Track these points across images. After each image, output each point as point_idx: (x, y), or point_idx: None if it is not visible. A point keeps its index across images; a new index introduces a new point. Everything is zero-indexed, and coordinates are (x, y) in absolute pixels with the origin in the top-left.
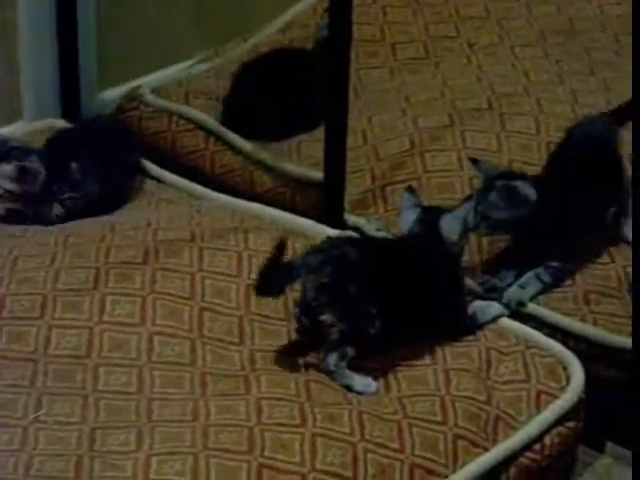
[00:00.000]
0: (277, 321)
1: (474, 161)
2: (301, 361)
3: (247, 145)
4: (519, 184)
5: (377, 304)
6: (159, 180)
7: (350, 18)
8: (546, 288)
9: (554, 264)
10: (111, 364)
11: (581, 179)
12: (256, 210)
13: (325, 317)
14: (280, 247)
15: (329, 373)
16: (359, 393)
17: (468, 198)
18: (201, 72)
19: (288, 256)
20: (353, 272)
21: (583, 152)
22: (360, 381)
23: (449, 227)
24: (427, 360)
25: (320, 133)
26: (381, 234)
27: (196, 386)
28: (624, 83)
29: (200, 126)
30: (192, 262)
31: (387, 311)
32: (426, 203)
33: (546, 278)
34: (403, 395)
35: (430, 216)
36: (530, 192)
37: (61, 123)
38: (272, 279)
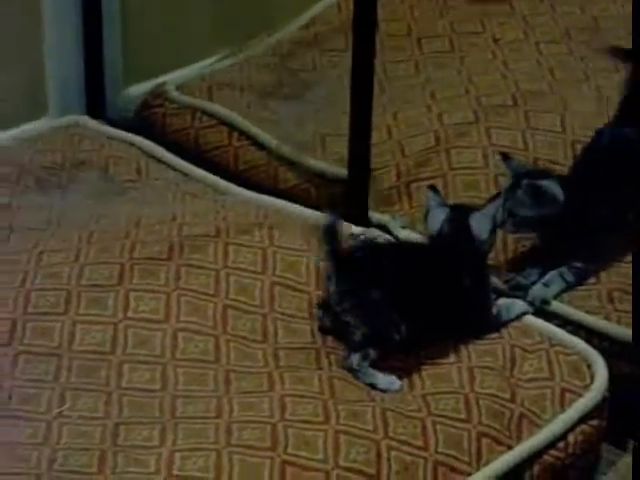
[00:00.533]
0: (301, 319)
1: (504, 157)
2: (324, 359)
3: (271, 141)
4: (546, 183)
5: (403, 308)
6: (184, 174)
7: (375, 11)
8: (569, 287)
9: (578, 264)
10: (135, 360)
11: (607, 181)
12: (280, 206)
13: (348, 319)
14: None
15: (352, 371)
16: (383, 391)
17: (495, 196)
18: (225, 67)
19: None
20: (378, 277)
21: (611, 154)
22: (384, 379)
23: (479, 225)
24: (451, 358)
25: (345, 128)
26: (406, 231)
27: (220, 383)
28: None
29: (223, 122)
30: (217, 258)
31: (413, 314)
32: (451, 201)
33: (569, 278)
34: (427, 393)
35: (460, 215)
36: (557, 191)
37: (85, 119)
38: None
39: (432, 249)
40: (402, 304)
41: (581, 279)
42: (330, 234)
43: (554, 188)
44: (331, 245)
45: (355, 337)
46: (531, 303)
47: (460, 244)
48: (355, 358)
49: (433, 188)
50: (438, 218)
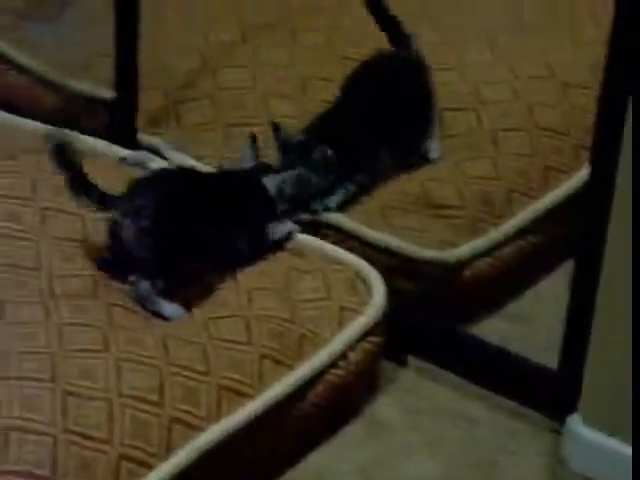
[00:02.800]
0: (74, 243)
1: (275, 127)
2: (102, 287)
3: (32, 63)
4: (317, 153)
5: (182, 236)
6: None
7: None
8: (349, 195)
9: (359, 177)
10: None
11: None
12: (44, 130)
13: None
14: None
15: (140, 299)
16: (168, 319)
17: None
18: None
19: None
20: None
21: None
22: (169, 307)
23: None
24: (230, 283)
25: (109, 49)
26: (176, 153)
27: None
28: None
29: None
30: None
31: (192, 242)
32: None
33: (351, 188)
34: (207, 318)
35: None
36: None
37: None
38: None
39: (220, 179)
40: (181, 232)
41: (361, 189)
42: (60, 155)
43: (325, 153)
44: (66, 167)
45: (145, 266)
46: (315, 212)
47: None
48: (144, 286)
49: (253, 139)
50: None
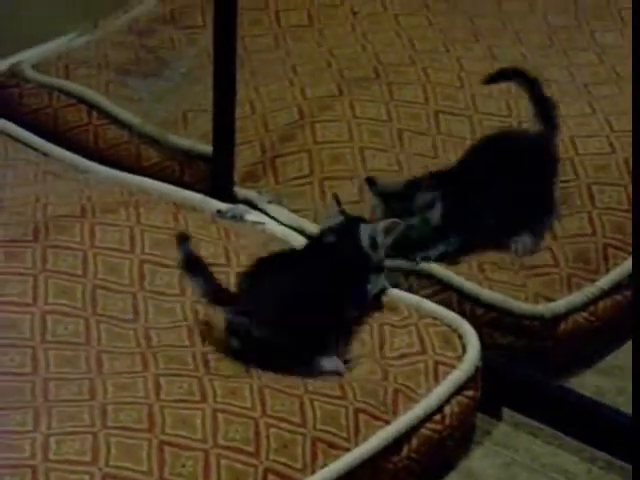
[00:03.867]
0: (172, 297)
1: (370, 182)
2: (197, 336)
3: (133, 118)
4: (420, 199)
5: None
6: (44, 153)
7: None
8: (450, 249)
9: (463, 234)
10: (4, 344)
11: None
12: (144, 184)
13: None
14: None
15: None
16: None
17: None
18: (81, 45)
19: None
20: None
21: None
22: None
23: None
24: None
25: (206, 104)
26: (273, 206)
27: (92, 365)
28: (510, 51)
29: (82, 100)
30: (83, 238)
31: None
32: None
33: (453, 243)
34: None
35: (352, 222)
36: (429, 198)
37: None
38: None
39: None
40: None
41: (462, 247)
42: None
43: (426, 198)
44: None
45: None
46: (413, 260)
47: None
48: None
49: (335, 196)
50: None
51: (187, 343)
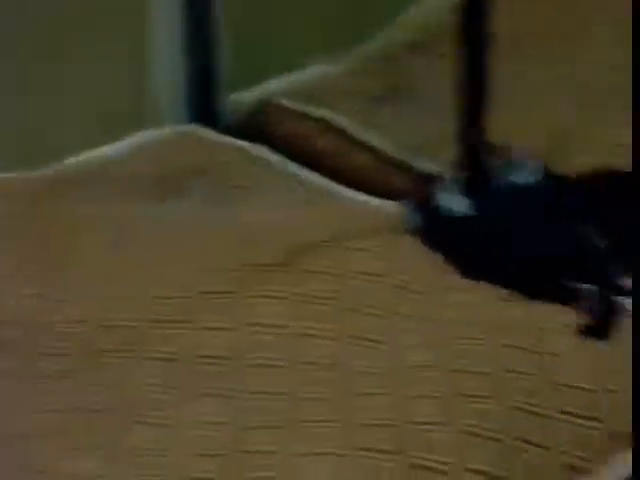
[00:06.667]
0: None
1: None
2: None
3: (387, 146)
4: None
5: None
6: (297, 179)
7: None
8: None
9: None
10: (259, 365)
11: None
12: (396, 210)
13: None
14: None
15: None
16: None
17: None
18: (332, 72)
19: None
20: None
21: None
22: None
23: None
24: None
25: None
26: None
27: (342, 386)
28: None
29: (333, 127)
30: (337, 263)
31: None
32: None
33: None
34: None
35: None
36: None
37: (194, 128)
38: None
39: None
40: None
41: None
42: None
43: None
44: None
45: None
46: None
47: None
48: None
49: None
50: None
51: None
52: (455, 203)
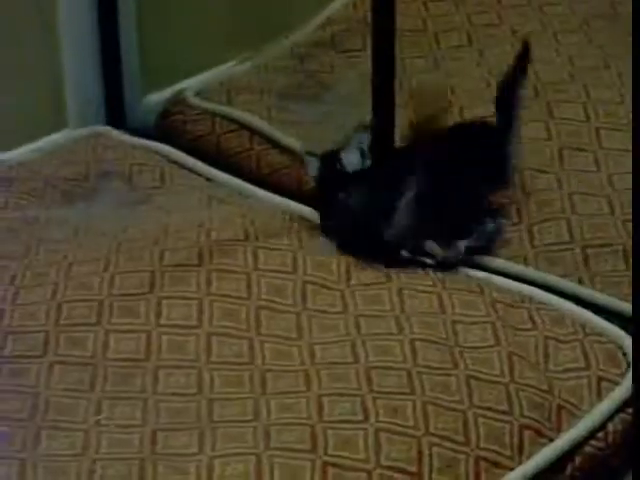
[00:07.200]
0: (334, 314)
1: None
2: (361, 349)
3: (295, 143)
4: None
5: None
6: (208, 179)
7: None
8: None
9: None
10: (170, 366)
11: None
12: (306, 211)
13: None
14: None
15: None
16: None
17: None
18: (243, 71)
19: None
20: None
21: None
22: None
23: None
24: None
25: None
26: None
27: (256, 385)
28: None
29: (244, 126)
30: (247, 262)
31: None
32: None
33: None
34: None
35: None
36: None
37: (106, 129)
38: None
39: None
40: None
41: None
42: None
43: None
44: None
45: None
46: None
47: None
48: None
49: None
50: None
51: (350, 359)
52: (355, 159)
